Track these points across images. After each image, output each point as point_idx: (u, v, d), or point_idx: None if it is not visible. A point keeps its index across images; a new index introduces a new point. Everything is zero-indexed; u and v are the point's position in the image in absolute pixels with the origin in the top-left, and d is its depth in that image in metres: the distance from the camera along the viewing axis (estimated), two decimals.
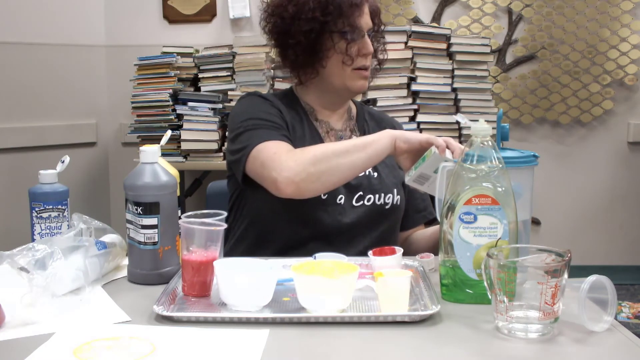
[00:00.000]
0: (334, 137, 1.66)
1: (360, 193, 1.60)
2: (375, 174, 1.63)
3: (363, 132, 1.69)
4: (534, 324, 1.02)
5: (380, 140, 1.46)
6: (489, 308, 1.07)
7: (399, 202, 1.64)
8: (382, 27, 1.69)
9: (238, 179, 1.55)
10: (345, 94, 1.65)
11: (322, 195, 1.53)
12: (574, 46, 3.27)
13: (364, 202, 1.60)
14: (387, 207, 1.61)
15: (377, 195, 1.60)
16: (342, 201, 1.58)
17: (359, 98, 2.73)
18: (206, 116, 2.80)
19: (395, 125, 1.77)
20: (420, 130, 2.79)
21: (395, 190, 1.63)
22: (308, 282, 1.10)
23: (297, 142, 1.57)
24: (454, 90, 2.81)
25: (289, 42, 1.59)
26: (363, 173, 1.60)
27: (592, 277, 1.05)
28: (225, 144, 1.90)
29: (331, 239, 1.55)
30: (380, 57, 1.71)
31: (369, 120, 1.73)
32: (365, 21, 1.60)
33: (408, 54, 2.80)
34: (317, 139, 1.62)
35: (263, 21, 1.64)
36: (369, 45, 1.59)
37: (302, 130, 1.62)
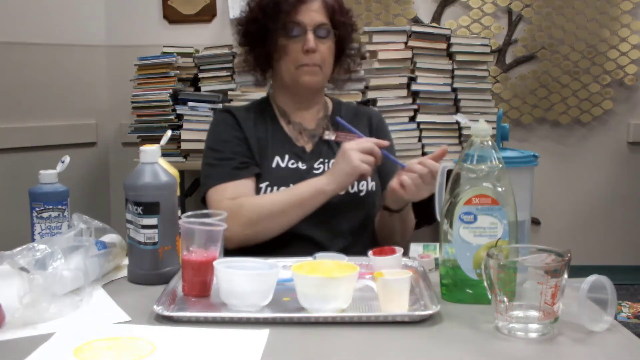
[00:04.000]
0: (307, 136, 1.70)
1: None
2: None
3: (336, 127, 1.71)
4: (533, 324, 1.02)
5: (316, 197, 1.53)
6: (489, 308, 1.07)
7: (374, 188, 1.66)
8: (344, 20, 1.69)
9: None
10: (300, 90, 1.68)
11: None
12: (574, 46, 3.27)
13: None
14: (361, 194, 1.64)
15: (349, 187, 1.63)
16: None
17: (359, 98, 2.75)
18: (206, 116, 2.80)
19: (372, 117, 1.79)
20: (420, 131, 2.79)
21: (369, 177, 1.65)
22: (308, 282, 1.10)
23: (264, 150, 1.66)
24: (454, 90, 2.81)
25: (246, 49, 1.72)
26: None
27: (592, 277, 1.05)
28: None
29: (310, 232, 1.58)
30: (352, 51, 1.74)
31: (344, 115, 1.75)
32: (310, 18, 1.61)
33: (408, 54, 2.80)
34: (286, 144, 1.68)
35: (235, 35, 1.77)
36: (309, 42, 1.60)
37: (266, 139, 1.68)
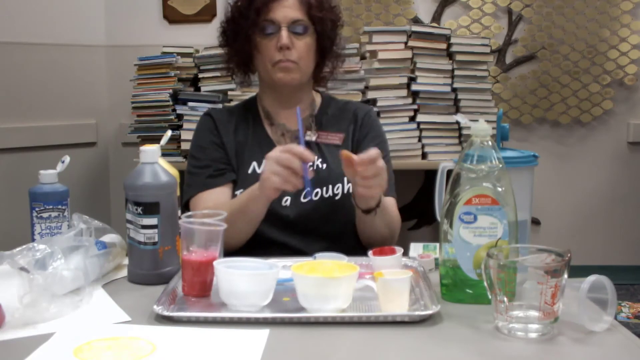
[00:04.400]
0: (289, 138, 1.67)
1: (308, 189, 1.53)
2: (324, 165, 1.63)
3: (320, 125, 1.68)
4: (533, 323, 1.02)
5: (253, 200, 1.46)
6: (489, 308, 1.07)
7: (351, 190, 1.57)
8: (322, 16, 1.63)
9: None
10: (278, 88, 1.66)
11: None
12: (574, 46, 3.27)
13: (311, 198, 1.59)
14: (337, 197, 1.60)
15: (324, 188, 1.60)
16: (288, 202, 1.59)
17: (359, 98, 2.75)
18: None
19: (358, 112, 1.72)
20: (420, 131, 2.79)
21: (345, 178, 1.60)
22: (308, 282, 1.10)
23: (242, 155, 1.64)
24: (454, 90, 2.80)
25: (227, 49, 1.70)
26: (310, 167, 1.55)
27: (592, 277, 1.05)
28: None
29: (286, 239, 1.56)
30: (338, 49, 1.69)
31: (330, 111, 1.72)
32: (284, 14, 1.59)
33: (408, 54, 2.80)
34: (265, 148, 1.56)
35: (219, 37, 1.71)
36: (282, 38, 1.57)
37: (245, 143, 1.66)
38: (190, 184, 1.65)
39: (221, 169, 1.63)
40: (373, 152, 1.35)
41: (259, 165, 1.63)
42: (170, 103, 2.79)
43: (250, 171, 1.63)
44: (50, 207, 1.44)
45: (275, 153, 1.38)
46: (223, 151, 1.65)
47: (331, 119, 1.71)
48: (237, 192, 1.60)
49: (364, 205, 1.49)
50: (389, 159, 1.71)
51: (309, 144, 1.64)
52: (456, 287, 1.18)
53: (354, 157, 1.35)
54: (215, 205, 1.55)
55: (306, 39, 1.61)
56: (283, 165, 1.36)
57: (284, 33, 1.58)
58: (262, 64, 1.63)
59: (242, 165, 1.64)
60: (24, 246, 1.15)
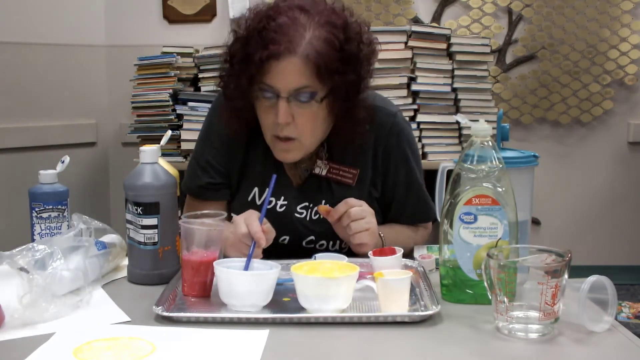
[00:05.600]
0: (300, 170, 1.48)
1: (312, 237, 1.45)
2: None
3: (331, 154, 1.45)
4: (534, 324, 1.02)
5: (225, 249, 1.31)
6: (489, 308, 1.07)
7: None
8: (334, 82, 1.30)
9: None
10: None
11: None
12: (574, 46, 3.27)
13: (315, 247, 1.46)
14: (343, 251, 1.42)
15: (330, 242, 1.45)
16: (287, 241, 1.45)
17: None
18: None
19: (378, 129, 1.45)
20: (421, 131, 2.79)
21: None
22: (308, 282, 1.10)
23: (245, 173, 1.48)
24: (454, 90, 2.81)
25: (228, 103, 1.42)
26: (317, 216, 1.44)
27: (592, 278, 1.05)
28: None
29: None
30: (360, 106, 1.36)
31: (344, 133, 1.43)
32: (286, 81, 1.28)
33: (408, 54, 2.80)
34: (272, 172, 1.37)
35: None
36: (280, 113, 1.29)
37: (255, 160, 1.47)
38: (187, 176, 1.54)
39: (216, 184, 1.49)
40: (341, 205, 1.33)
41: (261, 193, 1.45)
42: (170, 103, 2.79)
43: (250, 198, 1.46)
44: (50, 207, 1.44)
45: (240, 221, 1.26)
46: (227, 159, 1.47)
47: (344, 145, 1.43)
48: (233, 215, 1.40)
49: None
50: (415, 178, 1.50)
51: (319, 180, 1.46)
52: (456, 287, 1.18)
53: (330, 212, 1.33)
54: None
55: (313, 107, 1.32)
56: (238, 239, 1.27)
57: (282, 105, 1.29)
58: (263, 129, 1.38)
59: (243, 186, 1.48)
60: (23, 246, 1.15)
